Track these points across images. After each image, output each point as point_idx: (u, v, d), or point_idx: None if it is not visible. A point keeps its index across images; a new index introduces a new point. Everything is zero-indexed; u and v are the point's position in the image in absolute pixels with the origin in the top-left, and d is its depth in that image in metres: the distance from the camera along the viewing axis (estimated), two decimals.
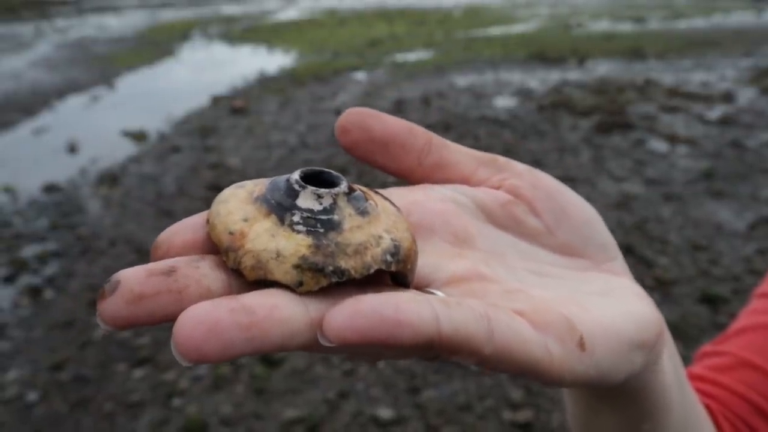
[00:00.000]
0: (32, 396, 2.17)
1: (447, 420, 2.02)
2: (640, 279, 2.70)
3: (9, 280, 2.91)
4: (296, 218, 0.23)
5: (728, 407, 0.50)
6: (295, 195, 0.24)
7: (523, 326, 0.23)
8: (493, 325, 0.22)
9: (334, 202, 0.24)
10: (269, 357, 2.30)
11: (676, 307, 2.56)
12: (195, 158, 4.56)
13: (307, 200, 0.23)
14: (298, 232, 0.23)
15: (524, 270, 0.29)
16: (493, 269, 0.28)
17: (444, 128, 5.01)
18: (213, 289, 0.22)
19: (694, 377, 0.53)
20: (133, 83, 7.47)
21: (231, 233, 0.23)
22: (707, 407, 0.47)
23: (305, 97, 6.30)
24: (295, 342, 0.20)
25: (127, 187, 4.04)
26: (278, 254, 0.22)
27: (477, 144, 4.61)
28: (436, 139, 0.31)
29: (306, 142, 4.80)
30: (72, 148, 4.88)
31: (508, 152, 4.42)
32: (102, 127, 5.46)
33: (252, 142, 4.88)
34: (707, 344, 0.58)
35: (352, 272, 0.22)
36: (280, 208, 0.23)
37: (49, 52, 9.63)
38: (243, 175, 4.15)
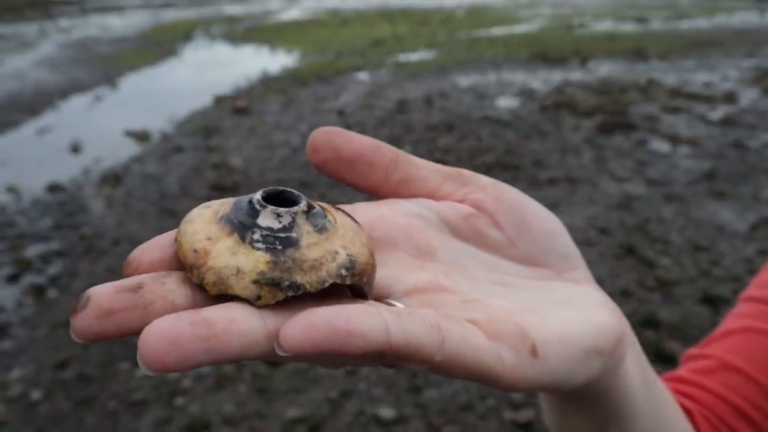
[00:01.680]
0: (36, 394, 2.18)
1: (448, 419, 2.03)
2: (641, 279, 2.70)
3: (13, 279, 2.92)
4: (256, 236, 0.24)
5: (710, 409, 0.50)
6: (256, 214, 0.25)
7: (475, 335, 0.24)
8: (444, 334, 0.23)
9: (293, 221, 0.25)
10: None
11: (677, 307, 2.56)
12: (198, 158, 4.57)
13: (267, 219, 0.25)
14: (258, 249, 0.24)
15: (486, 281, 0.30)
16: (454, 280, 0.29)
17: (446, 128, 5.02)
18: (178, 304, 0.23)
19: (677, 380, 0.54)
20: (136, 83, 7.49)
21: (195, 251, 0.24)
22: (688, 409, 0.48)
23: (308, 97, 6.31)
24: (253, 352, 0.21)
25: (130, 187, 4.05)
26: (238, 270, 0.23)
27: (479, 144, 4.62)
28: (403, 155, 0.32)
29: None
30: (75, 148, 4.90)
31: (511, 152, 4.43)
32: (105, 127, 5.47)
33: (254, 142, 4.90)
34: (692, 348, 0.58)
35: (308, 286, 0.24)
36: (242, 227, 0.25)
37: (53, 52, 9.65)
38: (246, 175, 4.16)
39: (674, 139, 4.66)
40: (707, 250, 3.02)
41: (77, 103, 6.50)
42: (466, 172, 0.33)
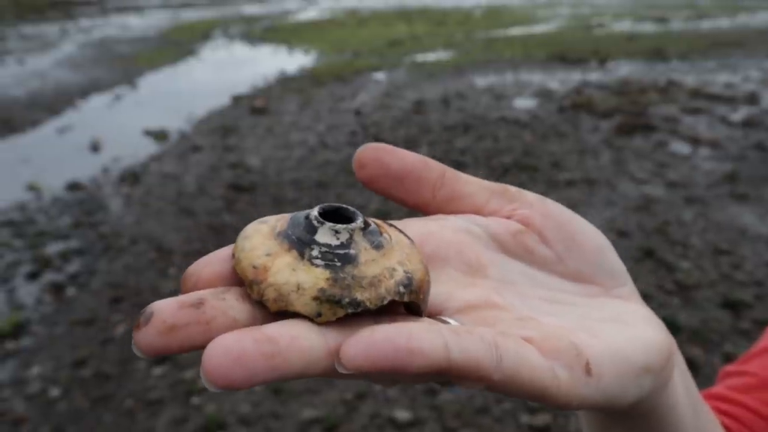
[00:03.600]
0: (55, 391, 2.20)
1: (464, 422, 2.02)
2: (660, 283, 2.67)
3: (33, 277, 2.96)
4: (315, 253, 0.24)
5: (749, 427, 0.49)
6: (314, 231, 0.25)
7: (531, 353, 0.25)
8: (502, 352, 0.23)
9: (351, 237, 0.25)
10: None
11: (697, 311, 2.53)
12: (215, 157, 4.60)
13: (325, 236, 0.25)
14: (317, 266, 0.24)
15: (535, 297, 0.30)
16: (505, 297, 0.29)
17: (463, 129, 5.00)
18: (239, 320, 0.23)
19: (716, 397, 0.53)
20: (155, 83, 7.56)
21: (255, 267, 0.24)
22: (727, 427, 0.47)
23: (325, 97, 6.32)
24: (313, 370, 0.22)
25: (149, 186, 4.09)
26: (299, 287, 0.23)
27: (497, 145, 4.59)
28: (450, 171, 0.32)
29: (325, 142, 4.81)
30: (95, 147, 4.95)
31: (528, 153, 4.40)
32: (124, 126, 5.52)
33: (272, 142, 4.91)
34: (730, 364, 0.57)
35: (367, 303, 0.24)
36: (300, 243, 0.25)
37: (74, 51, 9.76)
38: (263, 175, 4.17)
39: (695, 141, 4.60)
40: (728, 254, 2.97)
41: (97, 102, 6.57)
42: (512, 188, 0.33)
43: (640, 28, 11.20)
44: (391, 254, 0.26)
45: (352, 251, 0.25)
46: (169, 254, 3.11)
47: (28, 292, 2.84)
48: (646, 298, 2.59)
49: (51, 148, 5.03)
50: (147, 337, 0.21)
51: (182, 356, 2.35)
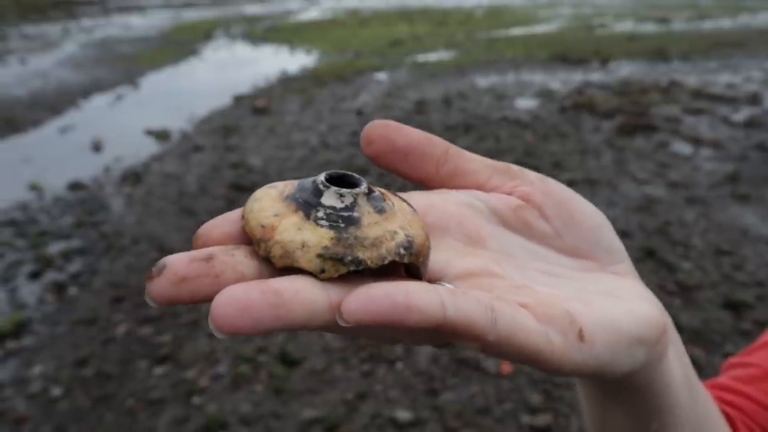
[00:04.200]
0: (56, 391, 2.21)
1: (465, 423, 2.02)
2: (662, 283, 2.67)
3: (34, 276, 2.96)
4: (320, 214, 0.26)
5: (752, 417, 0.49)
6: (320, 194, 0.26)
7: (526, 317, 0.26)
8: (497, 314, 0.24)
9: (355, 201, 0.26)
10: (288, 357, 2.32)
11: (698, 312, 2.52)
12: (217, 157, 4.60)
13: (330, 199, 0.26)
14: (322, 226, 0.25)
15: (533, 269, 0.31)
16: (503, 267, 0.30)
17: (465, 129, 5.00)
18: (246, 274, 0.24)
19: (719, 387, 0.53)
20: (157, 82, 7.56)
21: (263, 226, 0.26)
22: (729, 416, 0.48)
23: (327, 97, 6.32)
24: (316, 321, 0.23)
25: (150, 186, 4.09)
26: (303, 245, 0.25)
27: (498, 145, 4.59)
28: (453, 148, 0.33)
29: (327, 143, 4.82)
30: (97, 147, 4.96)
31: (530, 154, 4.40)
32: (126, 125, 5.53)
33: (273, 142, 4.92)
34: (734, 356, 0.57)
35: (369, 262, 0.25)
36: (307, 205, 0.26)
37: (76, 51, 9.77)
38: (264, 175, 4.17)
39: (696, 141, 4.60)
40: (730, 254, 2.97)
41: (99, 102, 6.57)
42: (514, 167, 0.34)
43: (641, 28, 11.19)
44: (393, 219, 0.27)
45: (355, 214, 0.26)
46: (170, 254, 3.11)
47: (29, 291, 2.84)
48: None
49: (53, 147, 5.04)
50: (159, 287, 0.23)
51: (184, 356, 2.35)
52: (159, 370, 2.30)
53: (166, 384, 2.23)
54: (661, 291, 2.66)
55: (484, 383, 2.19)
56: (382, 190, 0.29)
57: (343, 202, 0.26)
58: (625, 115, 5.20)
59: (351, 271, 0.25)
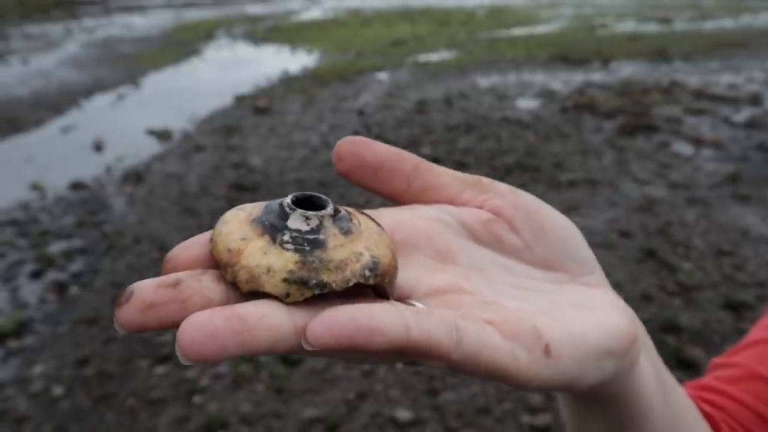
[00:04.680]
0: (57, 390, 2.21)
1: (465, 422, 2.03)
2: (662, 284, 2.67)
3: (36, 275, 2.97)
4: (286, 237, 0.26)
5: (734, 417, 0.50)
6: (286, 217, 0.26)
7: (491, 334, 0.26)
8: (462, 333, 0.25)
9: (321, 223, 0.26)
10: (289, 357, 2.32)
11: (699, 312, 2.53)
12: (218, 157, 4.61)
13: (296, 222, 0.26)
14: (287, 249, 0.25)
15: (503, 283, 0.31)
16: (472, 282, 0.30)
17: (466, 129, 5.00)
18: (213, 299, 0.24)
19: (701, 387, 0.53)
20: (158, 82, 7.57)
21: (229, 250, 0.26)
22: (710, 416, 0.48)
23: (328, 97, 6.33)
24: (281, 346, 0.23)
25: (152, 186, 4.10)
26: (269, 269, 0.25)
27: (499, 145, 4.59)
28: (424, 163, 0.33)
29: (328, 143, 4.82)
30: (98, 147, 4.97)
31: (531, 154, 4.40)
32: (127, 125, 5.54)
33: (275, 142, 4.92)
34: (718, 357, 0.58)
35: (333, 285, 0.25)
36: (273, 228, 0.26)
37: (77, 51, 9.79)
38: (265, 175, 4.18)
39: (697, 142, 4.60)
40: (730, 255, 2.97)
41: (101, 102, 6.58)
42: (485, 180, 0.34)
43: (643, 28, 11.19)
44: (359, 240, 0.27)
45: (321, 236, 0.26)
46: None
47: (31, 291, 2.85)
48: (647, 298, 2.59)
49: (54, 147, 5.05)
50: (127, 314, 0.23)
51: None
52: (160, 370, 2.30)
53: (167, 383, 2.23)
54: (661, 291, 2.67)
55: (484, 383, 2.19)
56: (349, 210, 0.29)
57: (308, 224, 0.26)
58: (626, 116, 5.20)
59: (316, 294, 0.25)
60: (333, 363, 2.31)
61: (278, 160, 4.50)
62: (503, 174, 4.05)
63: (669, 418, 0.38)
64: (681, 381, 0.42)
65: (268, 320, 0.23)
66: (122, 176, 4.28)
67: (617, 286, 2.92)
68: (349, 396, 2.14)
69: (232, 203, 3.72)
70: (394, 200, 0.33)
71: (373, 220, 0.30)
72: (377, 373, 2.26)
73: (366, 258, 0.26)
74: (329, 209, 0.27)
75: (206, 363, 0.22)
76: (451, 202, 0.33)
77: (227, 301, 0.24)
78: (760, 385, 0.52)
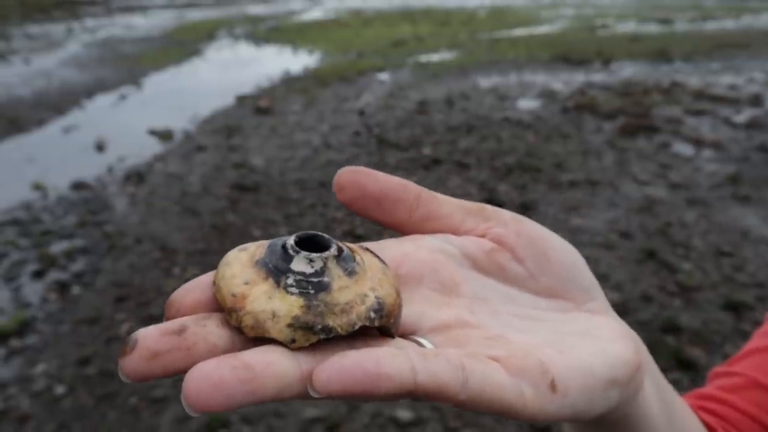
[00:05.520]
0: (59, 389, 2.22)
1: (465, 422, 2.03)
2: (662, 284, 2.67)
3: (38, 275, 2.98)
4: (290, 281, 0.26)
5: (735, 426, 0.50)
6: (289, 259, 0.26)
7: (497, 372, 0.26)
8: (468, 373, 0.25)
9: (324, 265, 0.26)
10: None
11: (698, 313, 2.53)
12: (219, 157, 4.61)
13: (300, 264, 0.26)
14: (292, 293, 0.25)
15: (507, 314, 0.31)
16: (477, 315, 0.30)
17: (467, 129, 5.01)
18: (218, 345, 0.24)
19: (704, 397, 0.54)
20: (160, 82, 7.58)
21: (234, 295, 0.26)
22: (713, 428, 0.48)
23: (329, 98, 6.33)
24: (287, 393, 0.23)
25: (153, 186, 4.11)
26: (274, 315, 0.25)
27: (500, 146, 4.60)
28: (426, 193, 0.33)
29: (329, 143, 4.83)
30: (100, 147, 4.98)
31: (531, 154, 4.41)
32: (129, 125, 5.55)
33: (276, 142, 4.93)
34: (719, 366, 0.58)
35: (339, 330, 0.25)
36: (277, 271, 0.26)
37: (79, 51, 9.80)
38: (267, 175, 4.19)
39: (698, 142, 4.60)
40: (730, 256, 2.98)
41: (102, 102, 6.59)
42: (489, 207, 0.34)
43: (644, 29, 11.19)
44: (363, 280, 0.27)
45: (325, 279, 0.26)
46: (173, 254, 3.13)
47: (33, 290, 2.86)
48: (647, 299, 2.60)
49: (56, 147, 5.06)
50: (132, 363, 0.23)
51: None
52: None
53: (168, 383, 2.24)
54: (661, 291, 2.67)
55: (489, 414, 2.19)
56: (352, 247, 0.29)
57: (312, 267, 0.26)
58: (626, 116, 5.21)
59: (321, 339, 0.25)
60: None
61: (279, 160, 4.51)
62: (504, 174, 4.05)
63: None
64: (681, 381, 0.43)
65: (274, 368, 0.23)
66: (124, 176, 4.29)
67: (617, 287, 2.90)
68: None
69: (233, 203, 3.73)
70: (396, 230, 0.33)
71: (376, 256, 0.29)
72: None
73: (371, 300, 0.26)
74: (333, 250, 0.27)
75: (214, 412, 0.22)
76: (454, 232, 0.33)
77: (232, 347, 0.24)
78: (761, 394, 0.52)
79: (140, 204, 3.82)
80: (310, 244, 0.28)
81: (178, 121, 5.61)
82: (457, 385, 0.24)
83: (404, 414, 2.06)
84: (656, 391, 0.36)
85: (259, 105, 6.04)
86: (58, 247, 3.25)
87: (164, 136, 5.23)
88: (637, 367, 0.31)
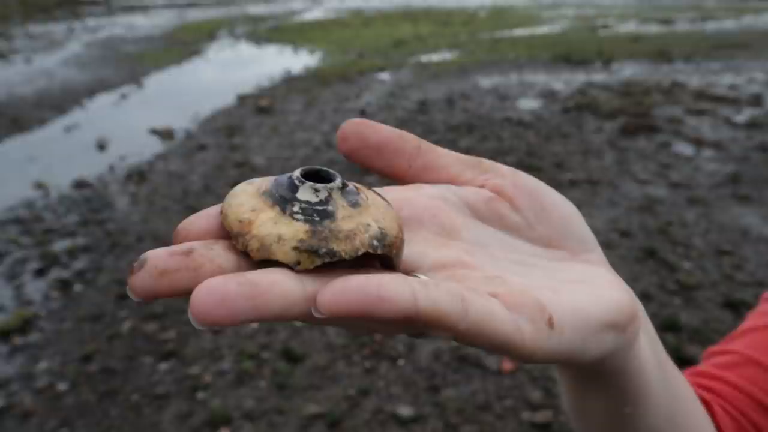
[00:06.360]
0: (62, 386, 2.23)
1: (466, 419, 2.04)
2: (662, 283, 2.68)
3: (40, 273, 2.99)
4: (296, 209, 0.26)
5: (730, 402, 0.51)
6: (295, 189, 0.27)
7: (496, 306, 0.26)
8: (468, 304, 0.25)
9: (329, 196, 0.27)
10: (292, 353, 2.34)
11: (698, 311, 2.54)
12: (220, 156, 4.63)
13: (305, 193, 0.27)
14: (297, 220, 0.26)
15: (505, 259, 0.31)
16: (476, 258, 0.30)
17: (468, 129, 5.01)
18: (224, 267, 0.25)
19: (698, 374, 0.54)
20: (161, 82, 7.59)
21: (240, 221, 0.26)
22: (707, 401, 0.49)
23: (330, 97, 6.34)
24: (291, 312, 0.23)
25: (155, 184, 4.12)
26: (279, 238, 0.25)
27: (501, 145, 4.61)
28: (425, 144, 0.34)
29: (330, 142, 4.84)
30: (101, 146, 4.99)
31: (532, 154, 4.42)
32: (130, 124, 5.56)
33: (277, 141, 4.94)
34: (714, 345, 0.59)
35: (342, 254, 0.25)
36: (283, 200, 0.27)
37: (80, 51, 9.81)
38: (267, 174, 4.20)
39: (698, 142, 4.61)
40: (730, 255, 2.99)
41: (104, 101, 6.60)
42: (486, 161, 0.35)
43: (644, 29, 11.19)
44: (366, 212, 0.28)
45: (330, 208, 0.27)
46: None
47: (35, 288, 2.87)
48: (648, 297, 2.61)
49: (58, 146, 5.07)
50: (140, 280, 0.23)
51: (188, 352, 2.38)
52: (164, 366, 2.32)
53: (170, 379, 2.25)
54: (661, 290, 2.68)
55: (485, 380, 2.21)
56: (357, 185, 0.29)
57: (317, 196, 0.27)
58: (627, 116, 5.21)
59: (326, 262, 0.25)
60: (335, 360, 2.33)
61: (280, 159, 4.52)
62: None
63: (667, 395, 0.39)
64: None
65: (279, 286, 0.23)
66: (125, 175, 4.30)
67: None
68: (351, 392, 2.16)
69: None
70: (396, 179, 0.34)
71: (379, 195, 0.30)
72: (379, 369, 2.28)
73: (374, 229, 0.27)
74: (338, 182, 0.28)
75: (219, 326, 0.22)
76: (453, 182, 0.34)
77: (238, 269, 0.25)
78: (756, 370, 0.53)
79: (141, 202, 3.83)
80: (316, 177, 0.28)
81: (179, 121, 5.62)
82: (457, 315, 0.24)
83: (405, 410, 2.07)
84: (651, 348, 0.37)
85: (260, 104, 6.05)
86: (60, 245, 3.26)
87: (165, 135, 5.24)
88: (634, 314, 0.32)
